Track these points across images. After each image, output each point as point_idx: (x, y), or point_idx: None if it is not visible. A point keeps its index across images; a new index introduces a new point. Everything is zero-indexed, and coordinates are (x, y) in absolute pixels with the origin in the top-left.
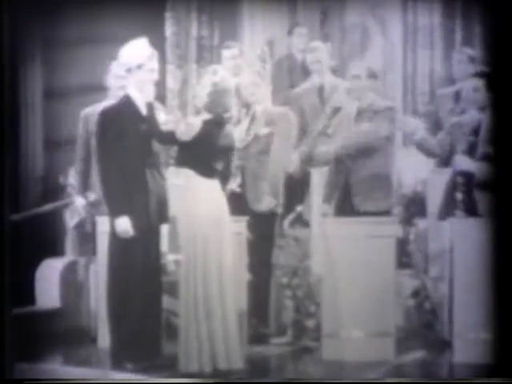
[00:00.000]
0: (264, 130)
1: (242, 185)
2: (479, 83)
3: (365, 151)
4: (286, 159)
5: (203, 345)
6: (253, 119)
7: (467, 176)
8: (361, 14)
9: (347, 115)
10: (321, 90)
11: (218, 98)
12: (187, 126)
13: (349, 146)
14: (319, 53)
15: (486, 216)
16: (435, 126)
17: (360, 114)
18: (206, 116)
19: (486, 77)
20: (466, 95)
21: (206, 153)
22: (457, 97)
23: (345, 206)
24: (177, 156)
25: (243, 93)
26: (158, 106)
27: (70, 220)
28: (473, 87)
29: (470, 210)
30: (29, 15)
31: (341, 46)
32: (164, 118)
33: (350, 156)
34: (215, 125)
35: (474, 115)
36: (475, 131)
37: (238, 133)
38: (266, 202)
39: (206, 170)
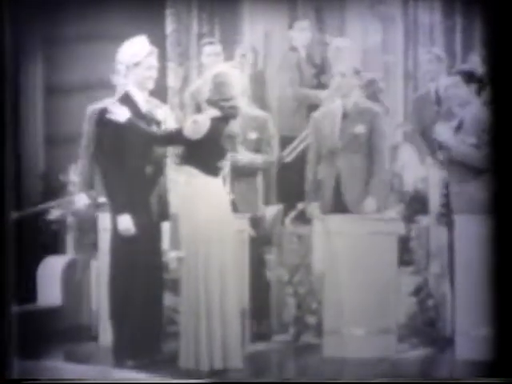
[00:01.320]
0: (253, 135)
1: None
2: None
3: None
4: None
5: (204, 342)
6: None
7: (446, 149)
8: (360, 12)
9: (332, 113)
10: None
11: (220, 88)
12: (196, 125)
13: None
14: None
15: (487, 212)
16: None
17: (346, 116)
18: (212, 112)
19: (465, 74)
20: (446, 93)
21: (210, 151)
22: (438, 99)
23: (335, 205)
24: (181, 154)
25: None
26: (157, 103)
27: (71, 218)
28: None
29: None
30: (30, 13)
31: None
32: (163, 116)
33: (334, 153)
34: (221, 121)
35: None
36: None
37: None
38: None
39: (210, 168)
